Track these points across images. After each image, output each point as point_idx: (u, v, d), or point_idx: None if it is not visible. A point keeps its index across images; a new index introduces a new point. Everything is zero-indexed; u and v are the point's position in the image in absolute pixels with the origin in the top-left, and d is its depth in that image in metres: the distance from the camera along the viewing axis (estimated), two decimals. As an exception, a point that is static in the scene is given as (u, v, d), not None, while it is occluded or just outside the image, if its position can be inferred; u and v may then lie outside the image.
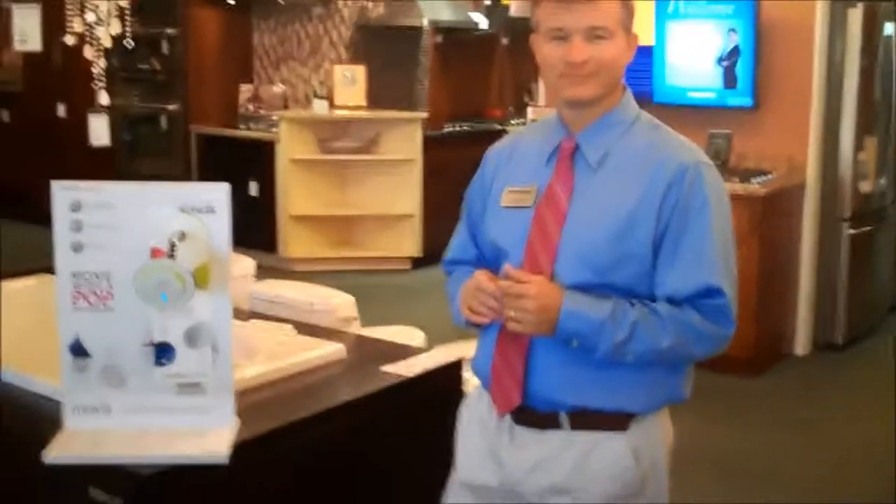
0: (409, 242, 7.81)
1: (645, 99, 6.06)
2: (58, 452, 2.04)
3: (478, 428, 2.16)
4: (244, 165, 7.93)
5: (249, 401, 2.40)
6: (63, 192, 2.07)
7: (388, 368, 2.64)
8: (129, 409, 2.13)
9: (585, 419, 2.02)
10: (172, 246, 2.01)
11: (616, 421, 2.02)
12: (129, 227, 2.07)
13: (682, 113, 6.01)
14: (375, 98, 8.21)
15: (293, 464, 2.30)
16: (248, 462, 2.19)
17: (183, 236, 2.03)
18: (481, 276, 2.01)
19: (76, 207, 2.07)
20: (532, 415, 2.05)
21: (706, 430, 4.65)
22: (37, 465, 2.04)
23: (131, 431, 2.12)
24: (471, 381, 2.31)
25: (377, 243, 7.91)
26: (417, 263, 7.78)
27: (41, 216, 2.05)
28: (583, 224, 1.99)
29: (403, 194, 7.81)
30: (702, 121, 5.93)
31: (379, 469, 2.52)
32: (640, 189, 1.98)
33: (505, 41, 9.11)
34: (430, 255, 7.23)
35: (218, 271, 2.08)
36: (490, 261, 2.14)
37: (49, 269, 2.14)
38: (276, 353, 2.68)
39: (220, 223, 2.08)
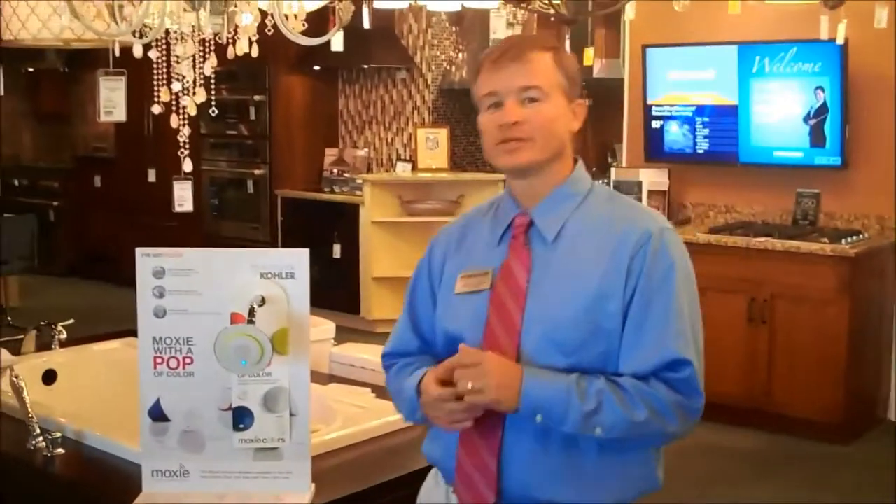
0: (491, 304, 7.77)
1: (730, 160, 6.00)
2: (136, 516, 2.06)
3: None
4: (328, 228, 8.02)
5: (328, 465, 2.40)
6: (146, 259, 2.11)
7: (467, 433, 2.61)
8: (207, 473, 2.13)
9: None
10: (252, 311, 2.02)
11: None
12: (210, 293, 2.09)
13: (769, 172, 5.95)
14: (458, 160, 8.27)
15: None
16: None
17: (263, 301, 2.04)
18: (431, 386, 1.89)
19: (159, 274, 2.10)
20: None
21: (794, 500, 4.51)
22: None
23: (209, 495, 2.13)
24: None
25: (459, 304, 7.89)
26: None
27: (131, 279, 2.09)
28: (546, 302, 1.88)
29: (486, 255, 7.79)
30: (789, 180, 5.85)
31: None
32: (603, 262, 1.87)
33: (587, 102, 9.11)
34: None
35: (297, 336, 2.09)
36: (443, 353, 2.00)
37: (135, 332, 2.16)
38: (354, 418, 2.67)
39: (300, 288, 2.09)
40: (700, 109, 6.09)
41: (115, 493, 2.28)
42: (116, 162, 9.64)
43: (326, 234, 7.98)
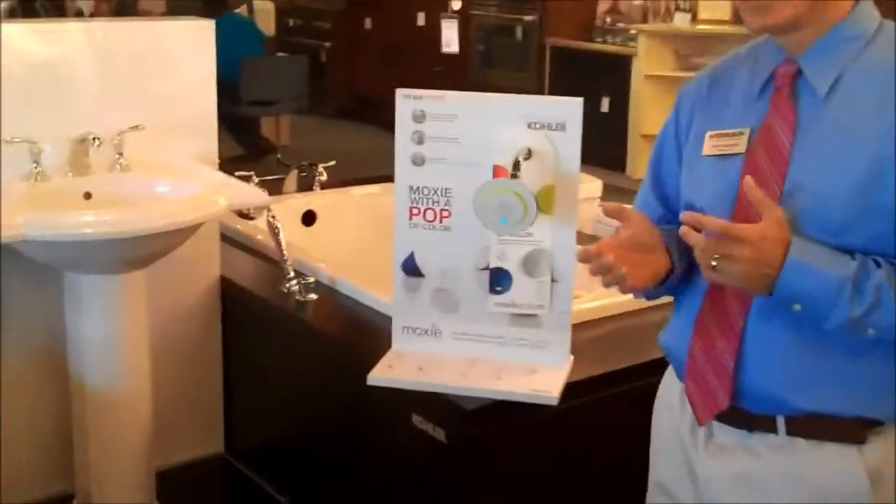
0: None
1: None
2: (382, 374, 1.96)
3: (668, 421, 1.74)
4: (597, 80, 7.74)
5: (585, 336, 2.24)
6: (407, 102, 1.96)
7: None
8: (460, 335, 2.01)
9: (810, 424, 1.56)
10: (517, 164, 1.83)
11: (850, 430, 1.55)
12: (473, 142, 1.93)
13: None
14: (742, 12, 7.73)
15: (624, 409, 2.08)
16: (576, 404, 2.02)
17: (529, 154, 1.85)
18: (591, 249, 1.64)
19: (419, 118, 1.95)
20: (740, 415, 1.60)
21: None
22: (364, 382, 1.97)
23: (459, 359, 2.00)
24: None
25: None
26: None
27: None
28: (812, 171, 1.52)
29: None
30: None
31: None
32: (886, 123, 1.48)
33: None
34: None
35: (564, 195, 1.90)
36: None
37: (393, 178, 2.02)
38: (617, 286, 2.47)
39: (571, 142, 1.88)
40: None
41: (365, 345, 2.21)
42: (386, 4, 9.63)
43: (595, 86, 7.68)
